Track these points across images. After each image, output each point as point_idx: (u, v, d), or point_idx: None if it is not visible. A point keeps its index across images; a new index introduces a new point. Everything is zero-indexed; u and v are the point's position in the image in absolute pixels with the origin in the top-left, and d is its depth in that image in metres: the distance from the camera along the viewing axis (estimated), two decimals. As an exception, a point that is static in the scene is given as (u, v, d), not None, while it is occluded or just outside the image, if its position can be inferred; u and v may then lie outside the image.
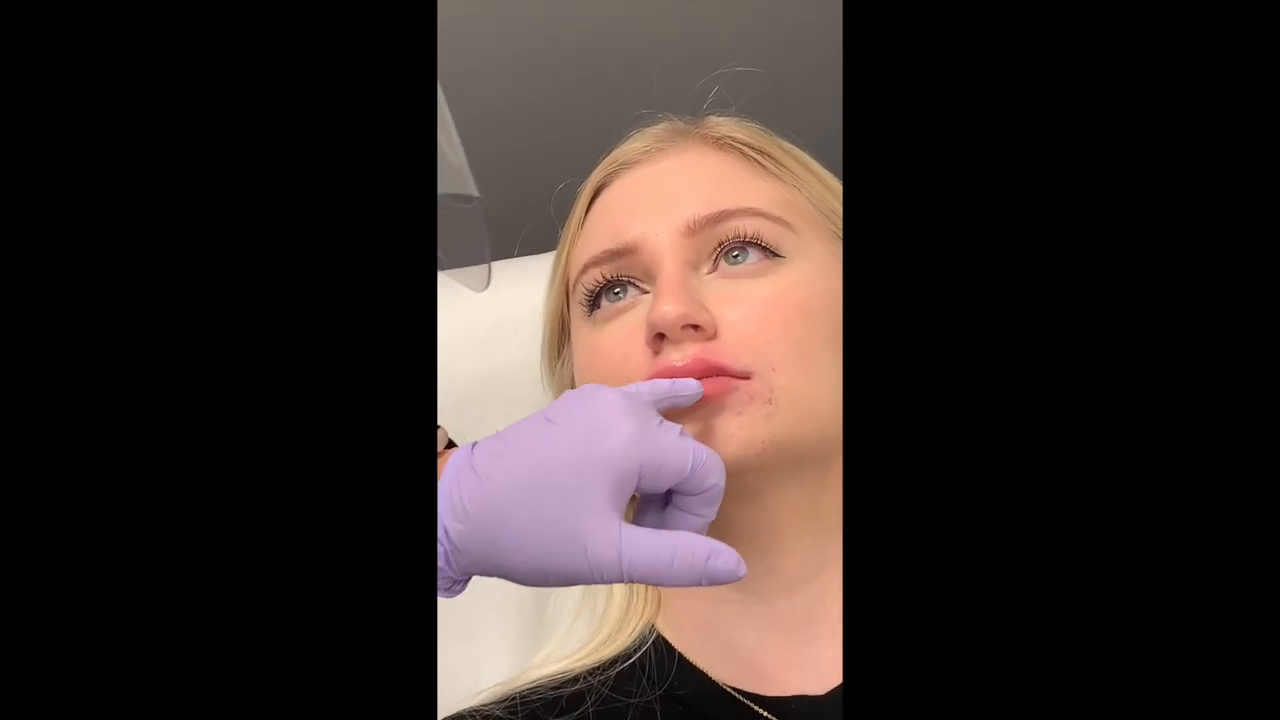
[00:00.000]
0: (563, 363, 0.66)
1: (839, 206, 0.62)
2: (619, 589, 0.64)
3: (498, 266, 0.57)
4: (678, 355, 0.55)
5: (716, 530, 0.55)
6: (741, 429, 0.55)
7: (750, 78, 0.68)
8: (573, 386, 0.64)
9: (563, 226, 0.67)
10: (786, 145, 0.64)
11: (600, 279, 0.60)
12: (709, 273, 0.59)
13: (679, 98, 0.67)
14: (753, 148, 0.62)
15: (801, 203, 0.61)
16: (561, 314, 0.65)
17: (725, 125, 0.64)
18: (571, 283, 0.63)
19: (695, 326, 0.55)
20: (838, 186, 0.63)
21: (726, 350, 0.55)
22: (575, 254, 0.63)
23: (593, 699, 0.58)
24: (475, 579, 0.50)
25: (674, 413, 0.54)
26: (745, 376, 0.55)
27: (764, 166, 0.61)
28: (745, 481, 0.55)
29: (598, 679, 0.59)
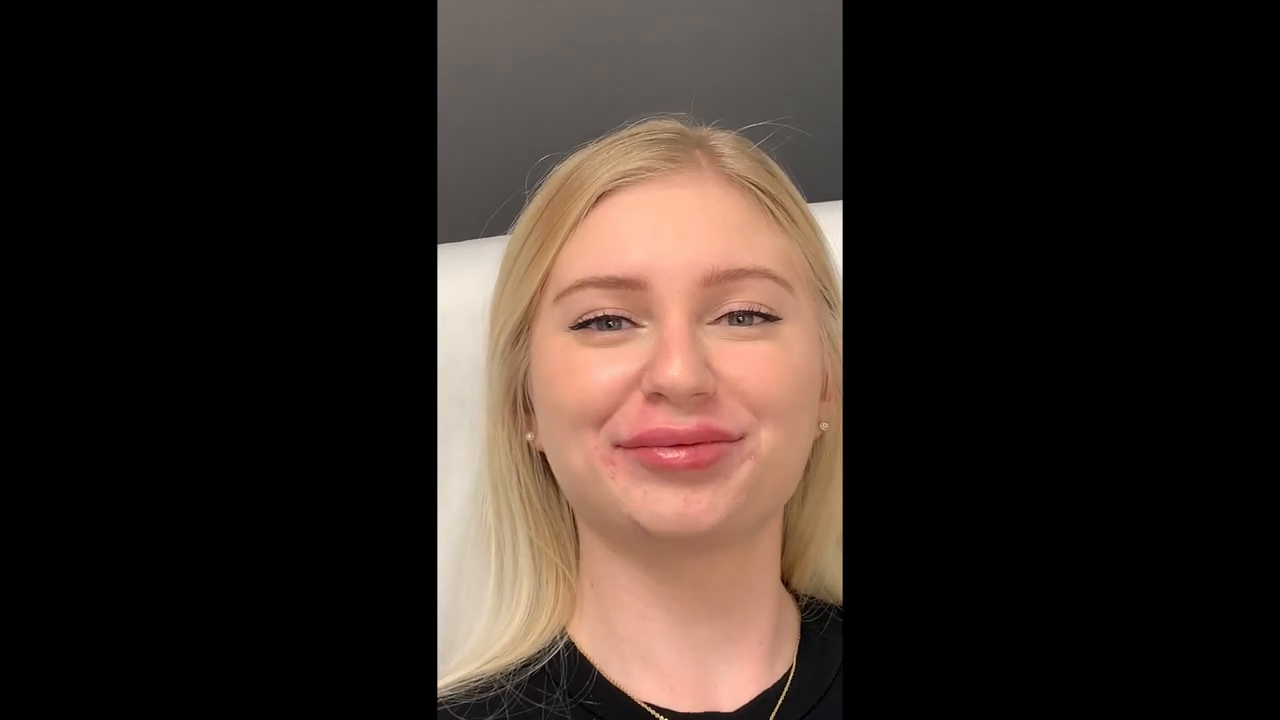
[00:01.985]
0: (518, 351, 0.62)
1: (825, 262, 0.62)
2: (525, 587, 0.63)
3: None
4: (679, 419, 0.55)
5: (658, 574, 0.58)
6: (721, 498, 0.56)
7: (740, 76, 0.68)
8: (523, 385, 0.62)
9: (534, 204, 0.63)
10: (788, 186, 0.63)
11: (596, 307, 0.57)
12: (710, 323, 0.57)
13: (663, 91, 0.66)
14: (765, 192, 0.60)
15: (799, 259, 0.60)
16: (532, 301, 0.61)
17: (733, 157, 0.61)
18: (555, 287, 0.59)
19: (700, 392, 0.55)
20: (824, 240, 0.63)
21: (726, 412, 0.56)
22: (568, 261, 0.59)
23: (506, 705, 0.59)
24: None
25: (650, 468, 0.56)
26: (738, 438, 0.56)
27: (773, 215, 0.60)
28: (703, 541, 0.57)
29: (511, 684, 0.60)
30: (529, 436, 0.63)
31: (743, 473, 0.56)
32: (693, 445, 0.55)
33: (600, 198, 0.60)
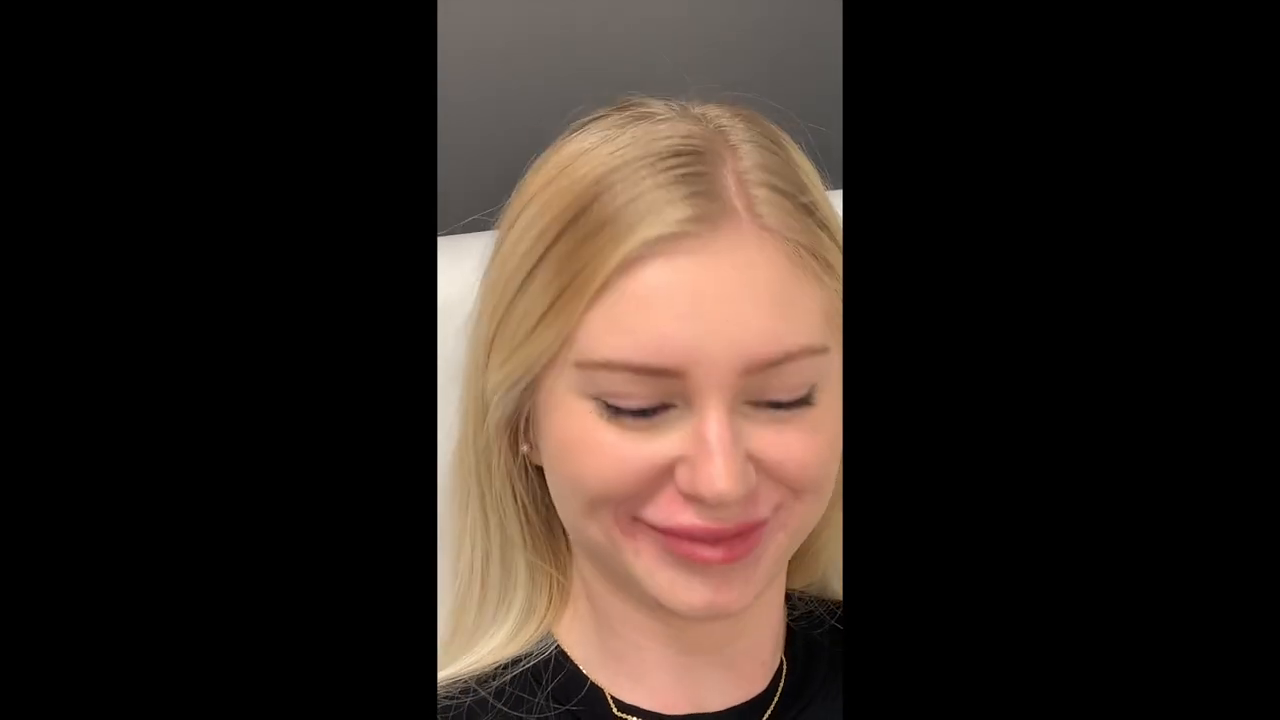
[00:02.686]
0: (527, 393, 0.55)
1: None
2: (518, 600, 0.61)
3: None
4: (718, 517, 0.51)
5: (663, 620, 0.57)
6: (753, 584, 0.53)
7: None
8: (526, 418, 0.57)
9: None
10: (822, 215, 0.55)
11: (627, 393, 0.51)
12: (745, 402, 0.52)
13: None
14: (806, 248, 0.53)
15: (835, 306, 0.54)
16: (548, 359, 0.53)
17: (769, 204, 0.53)
18: (578, 356, 0.52)
19: None
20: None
21: (764, 499, 0.52)
22: (596, 331, 0.51)
23: (492, 709, 0.58)
24: None
25: (678, 556, 0.52)
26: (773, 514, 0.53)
27: (813, 270, 0.53)
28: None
29: (497, 683, 0.58)
30: (524, 449, 0.58)
31: (775, 547, 0.54)
32: (729, 540, 0.52)
33: (627, 262, 0.51)
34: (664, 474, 0.51)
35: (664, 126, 0.54)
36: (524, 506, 0.59)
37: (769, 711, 0.59)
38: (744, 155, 0.54)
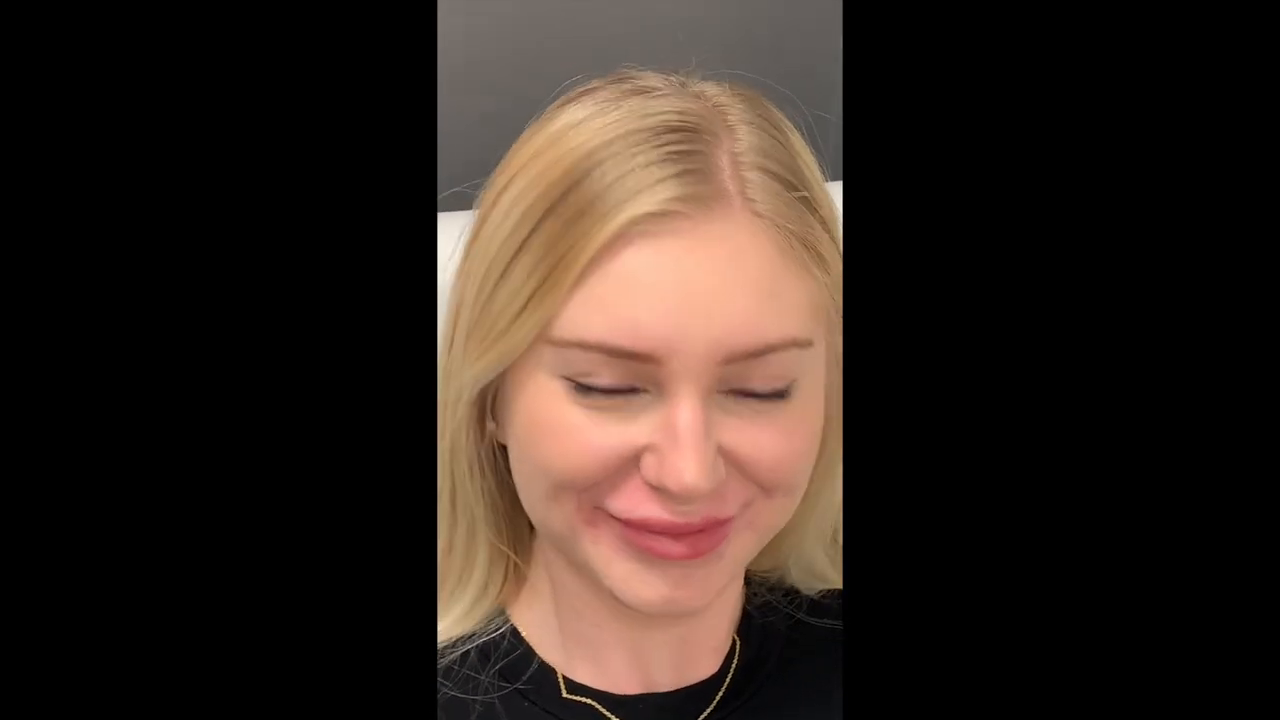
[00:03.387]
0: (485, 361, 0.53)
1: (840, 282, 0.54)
2: (475, 580, 0.59)
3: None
4: (683, 511, 0.49)
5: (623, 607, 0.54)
6: (713, 580, 0.52)
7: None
8: (494, 396, 0.56)
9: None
10: (809, 177, 0.53)
11: (596, 373, 0.49)
12: (720, 391, 0.50)
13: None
14: (798, 238, 0.51)
15: (824, 300, 0.52)
16: (524, 337, 0.51)
17: (763, 192, 0.50)
18: (554, 335, 0.50)
19: None
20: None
21: (732, 495, 0.50)
22: (574, 310, 0.49)
23: (448, 682, 0.57)
24: None
25: (638, 550, 0.51)
26: (740, 510, 0.51)
27: (803, 260, 0.51)
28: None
29: (444, 661, 0.58)
30: (491, 426, 0.56)
31: (740, 545, 0.52)
32: (692, 536, 0.50)
33: (609, 242, 0.49)
34: (630, 462, 0.50)
35: (659, 102, 0.51)
36: (490, 488, 0.58)
37: (720, 693, 0.58)
38: (741, 136, 0.51)
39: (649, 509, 0.50)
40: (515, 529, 0.59)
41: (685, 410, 0.48)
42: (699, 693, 0.58)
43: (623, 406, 0.49)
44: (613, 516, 0.51)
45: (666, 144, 0.49)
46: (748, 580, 0.62)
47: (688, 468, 0.48)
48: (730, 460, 0.50)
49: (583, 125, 0.51)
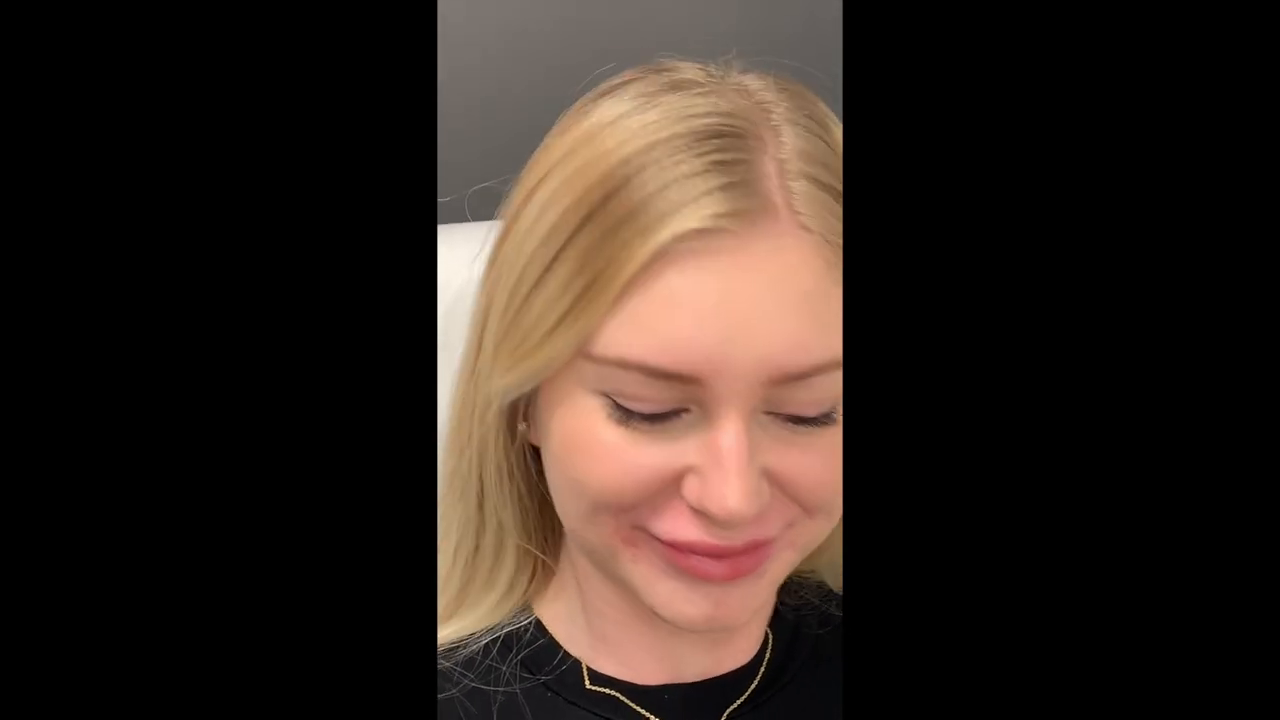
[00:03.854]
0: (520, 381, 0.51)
1: None
2: (506, 569, 0.58)
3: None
4: (726, 535, 0.48)
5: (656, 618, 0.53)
6: (760, 596, 0.51)
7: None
8: (526, 409, 0.54)
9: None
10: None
11: (638, 396, 0.47)
12: (764, 412, 0.48)
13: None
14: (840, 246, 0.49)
15: None
16: (562, 353, 0.49)
17: (808, 205, 0.48)
18: (595, 351, 0.47)
19: None
20: None
21: (775, 516, 0.49)
22: (614, 326, 0.47)
23: (459, 680, 0.57)
24: None
25: (679, 569, 0.49)
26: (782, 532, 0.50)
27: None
28: None
29: (467, 653, 0.57)
30: (522, 427, 0.54)
31: (780, 564, 0.51)
32: (734, 557, 0.49)
33: (654, 256, 0.46)
34: (672, 484, 0.48)
35: (700, 101, 0.48)
36: (520, 492, 0.56)
37: (752, 685, 0.58)
38: (786, 140, 0.48)
39: (691, 532, 0.48)
40: (544, 529, 0.58)
41: (729, 433, 0.46)
42: (728, 684, 0.58)
43: (665, 431, 0.48)
44: (653, 537, 0.49)
45: (710, 151, 0.46)
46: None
47: (731, 493, 0.46)
48: (774, 483, 0.48)
49: (619, 124, 0.48)
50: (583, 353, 0.47)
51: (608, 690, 0.57)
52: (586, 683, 0.57)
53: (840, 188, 0.48)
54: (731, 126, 0.47)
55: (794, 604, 0.61)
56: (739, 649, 0.59)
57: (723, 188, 0.46)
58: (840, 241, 0.48)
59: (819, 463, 0.49)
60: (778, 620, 0.60)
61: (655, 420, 0.47)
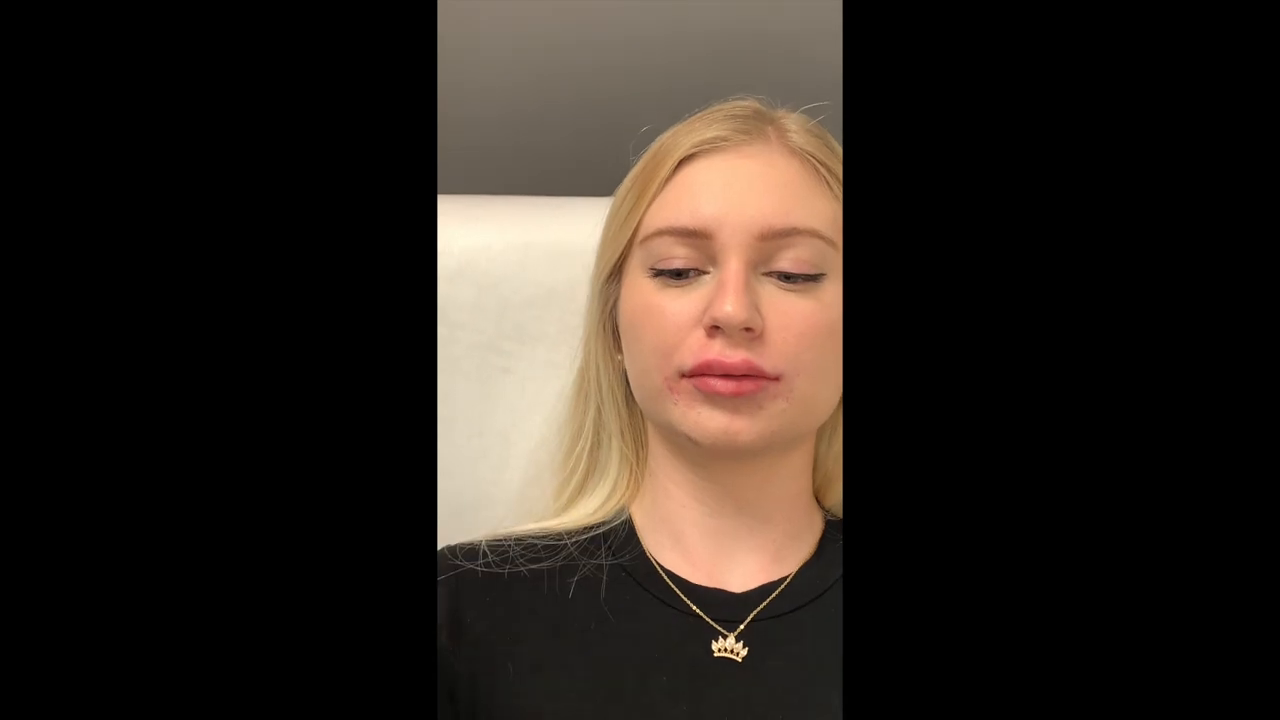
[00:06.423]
0: (614, 284, 0.75)
1: None
2: (610, 476, 0.77)
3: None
4: (730, 352, 0.66)
5: (699, 474, 0.72)
6: (757, 423, 0.67)
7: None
8: (613, 312, 0.75)
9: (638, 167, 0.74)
10: (840, 154, 0.73)
11: (671, 255, 0.69)
12: (763, 273, 0.68)
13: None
14: (821, 163, 0.71)
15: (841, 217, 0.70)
16: (625, 247, 0.73)
17: (798, 133, 0.72)
18: (642, 234, 0.71)
19: (748, 329, 0.66)
20: None
21: (768, 356, 0.67)
22: (654, 212, 0.71)
23: (561, 555, 0.73)
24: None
25: (704, 394, 0.67)
26: (775, 378, 0.67)
27: (828, 183, 0.71)
28: (739, 454, 0.69)
29: (571, 540, 0.74)
30: (619, 356, 0.75)
31: (777, 407, 0.68)
32: (739, 378, 0.66)
33: (683, 161, 0.71)
34: (696, 322, 0.68)
35: (728, 105, 0.73)
36: (620, 403, 0.77)
37: (772, 597, 0.71)
38: (789, 124, 0.73)
39: (705, 352, 0.67)
40: (637, 441, 0.77)
41: (732, 268, 0.67)
42: (757, 595, 0.71)
43: (691, 285, 0.69)
44: (683, 377, 0.68)
45: (725, 116, 0.72)
46: (826, 512, 0.77)
47: (729, 301, 0.66)
48: (767, 325, 0.67)
49: (673, 128, 0.74)
50: (636, 240, 0.71)
51: (668, 581, 0.72)
52: (656, 570, 0.72)
53: (829, 149, 0.71)
54: (748, 110, 0.73)
55: (835, 535, 0.75)
56: (782, 566, 0.72)
57: (730, 120, 0.71)
58: (821, 159, 0.70)
59: (801, 319, 0.68)
60: (820, 549, 0.74)
61: (683, 276, 0.69)
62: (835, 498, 0.77)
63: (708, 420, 0.68)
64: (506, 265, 0.87)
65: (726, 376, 0.67)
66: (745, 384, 0.67)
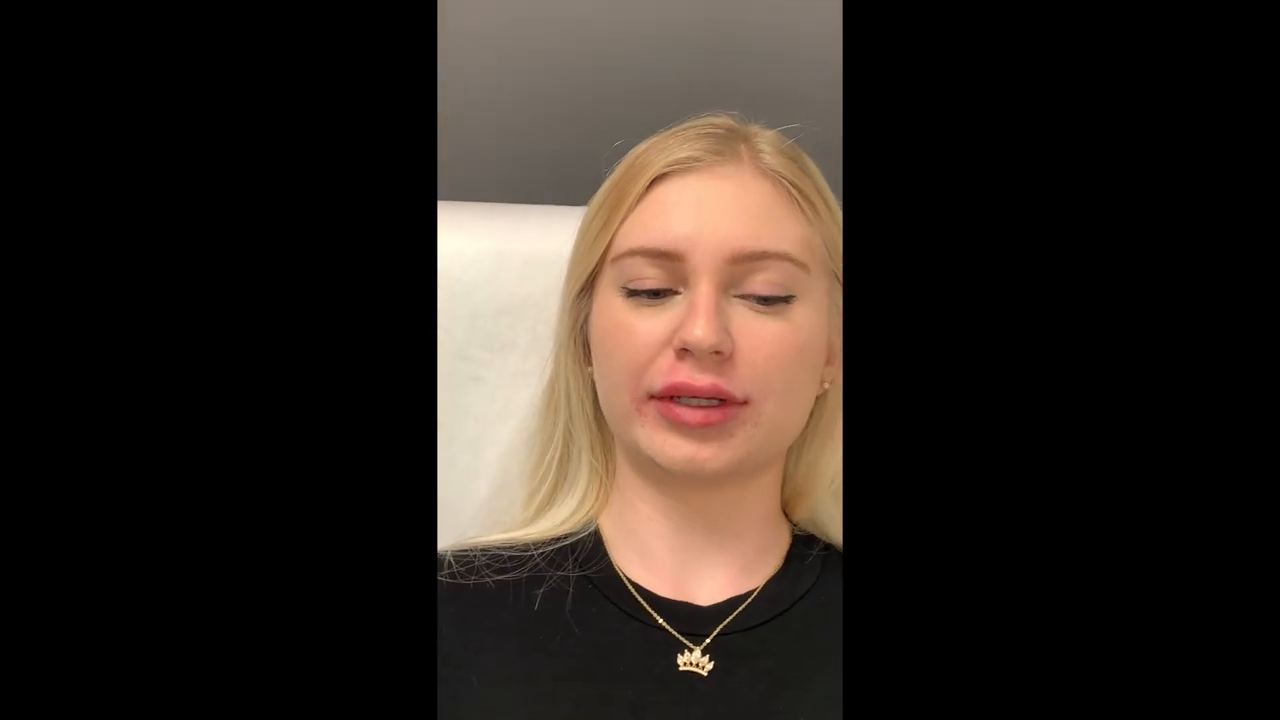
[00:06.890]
0: (585, 299, 0.74)
1: (840, 244, 0.72)
2: (579, 489, 0.77)
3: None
4: (699, 375, 0.66)
5: (666, 493, 0.70)
6: (725, 451, 0.68)
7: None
8: (585, 327, 0.75)
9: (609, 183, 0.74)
10: (815, 178, 0.73)
11: (642, 275, 0.69)
12: (735, 295, 0.68)
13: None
14: (793, 185, 0.71)
15: (817, 243, 0.71)
16: (597, 263, 0.73)
17: (770, 154, 0.72)
18: (614, 253, 0.71)
19: (718, 351, 0.66)
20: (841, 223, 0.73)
21: (736, 379, 0.67)
22: (626, 231, 0.71)
23: (527, 566, 0.73)
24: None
25: (671, 421, 0.67)
26: (743, 402, 0.67)
27: (799, 205, 0.71)
28: (706, 481, 0.69)
29: (538, 551, 0.74)
30: (589, 369, 0.75)
31: (744, 434, 0.68)
32: (706, 409, 0.67)
33: (656, 180, 0.71)
34: (666, 343, 0.68)
35: (702, 122, 0.73)
36: (590, 417, 0.76)
37: (738, 611, 0.71)
38: (761, 143, 0.73)
39: (674, 376, 0.67)
40: (607, 454, 0.77)
41: (703, 291, 0.67)
42: (725, 609, 0.71)
43: (662, 306, 0.69)
44: (651, 398, 0.68)
45: (698, 134, 0.72)
46: (793, 525, 0.77)
47: (699, 324, 0.66)
48: (737, 348, 0.67)
49: (646, 142, 0.73)
50: (607, 259, 0.71)
51: (635, 593, 0.71)
52: (623, 583, 0.72)
53: (801, 168, 0.71)
54: (722, 128, 0.73)
55: (804, 549, 0.75)
56: (750, 579, 0.72)
57: (703, 138, 0.71)
58: (793, 180, 0.70)
59: (771, 341, 0.68)
60: (787, 563, 0.74)
61: (655, 296, 0.69)
62: (804, 512, 0.77)
63: (673, 449, 0.68)
64: (478, 273, 0.87)
65: (694, 406, 0.67)
66: (712, 414, 0.67)
